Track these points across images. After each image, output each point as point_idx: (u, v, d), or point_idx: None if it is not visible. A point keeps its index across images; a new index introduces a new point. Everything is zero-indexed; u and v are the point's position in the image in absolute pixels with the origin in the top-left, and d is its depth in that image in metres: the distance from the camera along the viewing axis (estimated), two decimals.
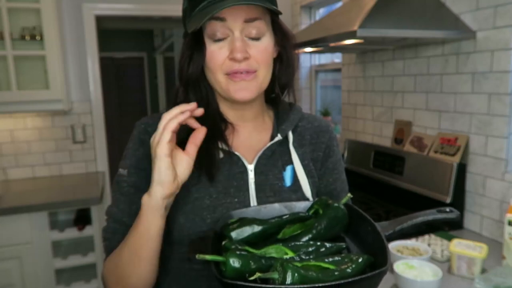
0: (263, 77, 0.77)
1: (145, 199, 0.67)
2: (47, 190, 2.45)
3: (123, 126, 5.70)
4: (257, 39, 0.74)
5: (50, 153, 2.71)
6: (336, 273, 0.55)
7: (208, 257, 0.56)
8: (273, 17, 0.78)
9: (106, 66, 4.70)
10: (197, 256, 0.56)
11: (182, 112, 0.65)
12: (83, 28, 2.67)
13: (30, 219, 2.14)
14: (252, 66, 0.74)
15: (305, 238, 0.66)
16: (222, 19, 0.71)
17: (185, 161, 0.68)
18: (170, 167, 0.65)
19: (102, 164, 2.83)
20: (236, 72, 0.73)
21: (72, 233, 2.29)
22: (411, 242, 1.40)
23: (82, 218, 2.37)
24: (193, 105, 0.67)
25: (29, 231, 2.15)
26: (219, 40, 0.73)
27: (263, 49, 0.74)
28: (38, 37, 2.35)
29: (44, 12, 2.27)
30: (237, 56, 0.71)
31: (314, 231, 0.67)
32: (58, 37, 2.33)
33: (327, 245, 0.64)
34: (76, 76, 2.71)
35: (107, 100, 3.13)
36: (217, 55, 0.74)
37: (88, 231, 2.31)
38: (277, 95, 0.86)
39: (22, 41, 2.34)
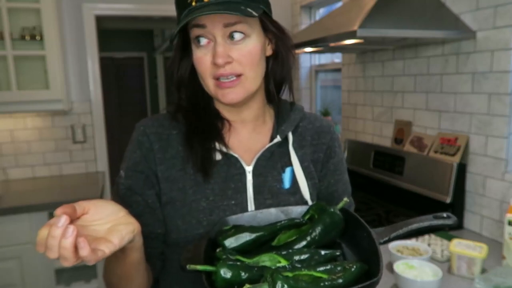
0: (251, 79, 0.75)
1: None
2: (47, 190, 2.45)
3: (123, 126, 5.70)
4: (240, 42, 0.73)
5: (50, 153, 2.71)
6: (327, 283, 0.55)
7: (199, 267, 0.56)
8: (261, 16, 0.75)
9: (106, 66, 4.70)
10: (187, 266, 0.55)
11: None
12: (83, 28, 2.67)
13: (30, 219, 2.13)
14: (236, 69, 0.73)
15: (300, 245, 0.65)
16: (202, 26, 0.71)
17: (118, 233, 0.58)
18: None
19: (102, 164, 2.83)
20: (221, 76, 0.73)
21: None
22: (411, 242, 1.40)
23: None
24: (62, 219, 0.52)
25: (29, 231, 2.14)
26: (204, 46, 0.74)
27: (246, 52, 0.73)
28: (38, 37, 2.35)
29: (44, 12, 2.27)
30: (218, 61, 0.71)
31: (308, 238, 0.65)
32: (58, 37, 2.33)
33: (322, 252, 0.63)
34: (76, 76, 2.71)
35: (107, 100, 3.13)
36: (202, 60, 0.74)
37: None
38: (273, 93, 0.85)
39: (22, 41, 2.34)
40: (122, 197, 0.78)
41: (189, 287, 0.79)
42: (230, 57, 0.72)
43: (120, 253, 0.65)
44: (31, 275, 2.18)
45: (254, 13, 0.70)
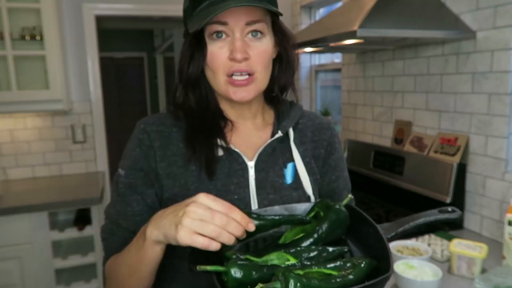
0: (261, 79, 0.77)
1: (148, 233, 0.64)
2: (47, 190, 2.45)
3: (123, 126, 5.69)
4: (257, 40, 0.74)
5: (50, 153, 2.71)
6: (338, 279, 0.55)
7: (209, 268, 0.56)
8: (274, 18, 0.78)
9: (106, 66, 4.69)
10: (198, 267, 0.55)
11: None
12: (83, 28, 2.67)
13: (30, 219, 2.13)
14: (251, 67, 0.74)
15: (307, 243, 0.65)
16: (223, 23, 0.71)
17: None
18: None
19: (102, 164, 2.83)
20: (236, 71, 0.74)
21: (72, 233, 2.29)
22: (411, 242, 1.40)
23: (82, 218, 2.37)
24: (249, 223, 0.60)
25: (29, 231, 2.14)
26: (220, 40, 0.73)
27: (262, 51, 0.75)
28: (38, 37, 2.35)
29: (44, 12, 2.27)
30: (237, 57, 0.72)
31: (315, 235, 0.66)
32: (58, 37, 2.33)
33: (329, 249, 0.63)
34: (76, 76, 2.71)
35: (107, 100, 3.12)
36: (217, 55, 0.74)
37: (88, 231, 2.31)
38: (277, 95, 0.86)
39: (22, 41, 2.34)
40: (122, 195, 0.79)
41: (188, 285, 0.79)
42: (248, 53, 0.73)
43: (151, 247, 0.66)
44: (31, 275, 2.18)
45: (278, 11, 0.73)
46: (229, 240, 0.58)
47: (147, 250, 0.66)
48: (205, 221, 0.57)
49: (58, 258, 2.27)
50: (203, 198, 0.60)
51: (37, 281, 2.20)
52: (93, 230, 2.30)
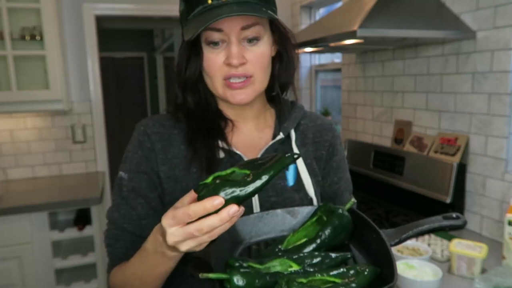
0: (260, 81, 0.76)
1: (168, 253, 0.62)
2: (47, 190, 2.45)
3: (123, 126, 5.71)
4: (254, 43, 0.73)
5: (50, 153, 2.71)
6: (341, 287, 0.55)
7: (211, 275, 0.55)
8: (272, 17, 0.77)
9: (106, 66, 4.70)
10: (200, 275, 0.55)
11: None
12: (83, 28, 2.67)
13: (30, 219, 2.14)
14: (248, 71, 0.74)
15: (310, 248, 0.65)
16: (219, 30, 0.71)
17: None
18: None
19: (102, 164, 2.83)
20: (233, 76, 0.73)
21: (72, 233, 2.29)
22: (411, 242, 1.40)
23: (82, 218, 2.37)
24: (235, 209, 0.56)
25: (29, 231, 2.14)
26: (216, 45, 0.73)
27: (260, 54, 0.74)
28: (38, 37, 2.35)
29: (44, 12, 2.27)
30: (233, 62, 0.71)
31: (318, 240, 0.65)
32: (58, 37, 2.33)
33: (332, 255, 0.63)
34: (76, 76, 2.71)
35: (107, 100, 3.13)
36: (214, 60, 0.73)
37: (88, 231, 2.31)
38: (277, 94, 0.85)
39: (22, 41, 2.34)
40: (125, 199, 0.77)
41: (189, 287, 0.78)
42: (244, 58, 0.72)
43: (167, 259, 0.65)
44: (31, 275, 2.18)
45: (274, 15, 0.72)
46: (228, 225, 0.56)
47: (167, 264, 0.65)
48: (195, 237, 0.55)
49: (58, 258, 2.27)
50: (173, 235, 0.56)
51: (37, 281, 2.20)
52: (93, 230, 2.30)
